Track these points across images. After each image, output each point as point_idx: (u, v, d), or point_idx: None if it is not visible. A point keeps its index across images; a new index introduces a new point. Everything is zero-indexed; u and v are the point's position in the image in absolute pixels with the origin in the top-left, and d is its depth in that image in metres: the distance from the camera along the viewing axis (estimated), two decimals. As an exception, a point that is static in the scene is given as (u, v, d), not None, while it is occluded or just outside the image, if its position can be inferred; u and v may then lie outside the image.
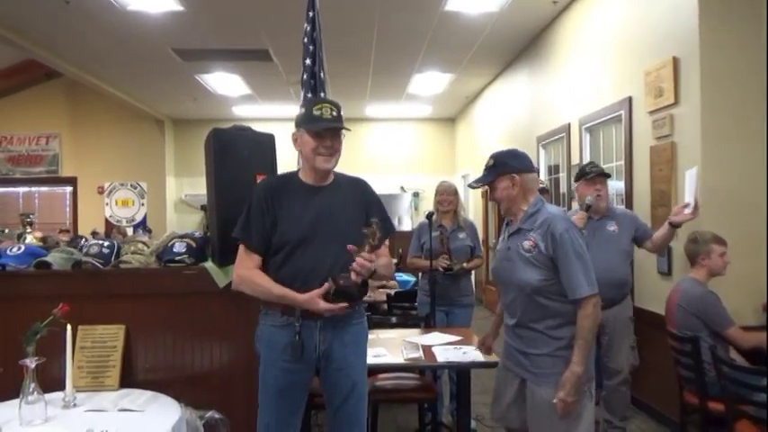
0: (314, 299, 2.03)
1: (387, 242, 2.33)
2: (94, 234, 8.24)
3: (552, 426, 2.14)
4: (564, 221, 2.21)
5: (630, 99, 4.35)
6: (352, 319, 2.18)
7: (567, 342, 2.17)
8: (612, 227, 3.44)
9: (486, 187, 2.38)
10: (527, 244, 2.20)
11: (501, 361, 2.47)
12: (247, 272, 2.13)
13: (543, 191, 4.63)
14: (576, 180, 3.63)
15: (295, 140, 2.19)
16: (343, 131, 2.17)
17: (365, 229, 2.00)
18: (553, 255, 2.15)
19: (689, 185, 3.30)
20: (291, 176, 2.23)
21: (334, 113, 2.12)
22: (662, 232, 3.38)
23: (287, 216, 2.12)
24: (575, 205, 4.50)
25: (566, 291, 2.14)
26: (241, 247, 2.17)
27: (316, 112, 2.11)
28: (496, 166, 2.29)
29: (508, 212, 2.33)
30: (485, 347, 2.75)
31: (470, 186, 2.52)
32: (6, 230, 5.80)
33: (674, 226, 3.29)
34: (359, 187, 2.28)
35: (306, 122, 2.13)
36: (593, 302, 2.11)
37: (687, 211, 3.23)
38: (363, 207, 2.24)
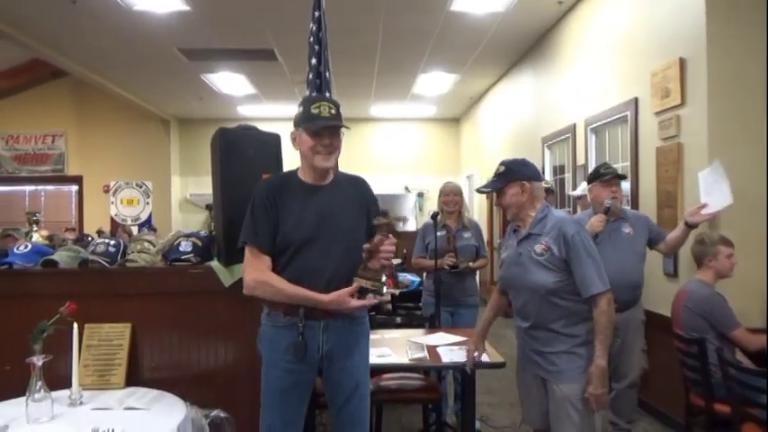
0: (343, 298, 2.02)
1: None
2: (100, 233, 8.27)
3: (571, 419, 2.23)
4: (573, 224, 2.31)
5: (636, 100, 4.34)
6: (355, 319, 2.17)
7: (582, 339, 2.26)
8: (627, 229, 3.39)
9: (494, 193, 2.43)
10: (539, 248, 2.27)
11: (518, 364, 2.50)
12: (262, 275, 2.07)
13: (548, 191, 4.61)
14: (590, 182, 3.55)
15: (294, 140, 2.17)
16: (343, 129, 2.15)
17: (376, 221, 2.06)
18: (566, 257, 2.23)
19: (704, 186, 3.25)
20: (290, 176, 2.21)
21: (333, 111, 2.10)
22: (677, 233, 3.34)
23: (288, 217, 2.10)
24: (579, 209, 4.49)
25: (579, 290, 2.22)
26: (248, 251, 2.11)
27: (314, 111, 2.08)
28: (507, 173, 2.36)
29: (516, 218, 2.39)
30: (469, 353, 2.60)
31: (479, 191, 2.54)
32: (21, 229, 5.88)
33: (690, 226, 3.26)
34: (359, 186, 2.27)
35: (304, 121, 2.10)
36: (607, 299, 2.21)
37: (704, 211, 3.20)
38: (364, 206, 2.22)
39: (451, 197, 3.96)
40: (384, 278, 2.13)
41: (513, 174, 2.35)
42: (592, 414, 2.24)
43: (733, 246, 3.10)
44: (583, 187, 4.59)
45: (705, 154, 3.53)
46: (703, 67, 3.56)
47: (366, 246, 2.07)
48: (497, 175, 2.38)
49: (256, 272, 2.09)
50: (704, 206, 3.22)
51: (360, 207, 2.21)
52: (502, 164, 2.41)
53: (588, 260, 2.21)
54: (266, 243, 2.09)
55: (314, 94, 3.25)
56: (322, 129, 2.08)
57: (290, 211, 2.10)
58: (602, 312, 2.20)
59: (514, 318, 2.46)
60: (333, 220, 2.11)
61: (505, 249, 2.48)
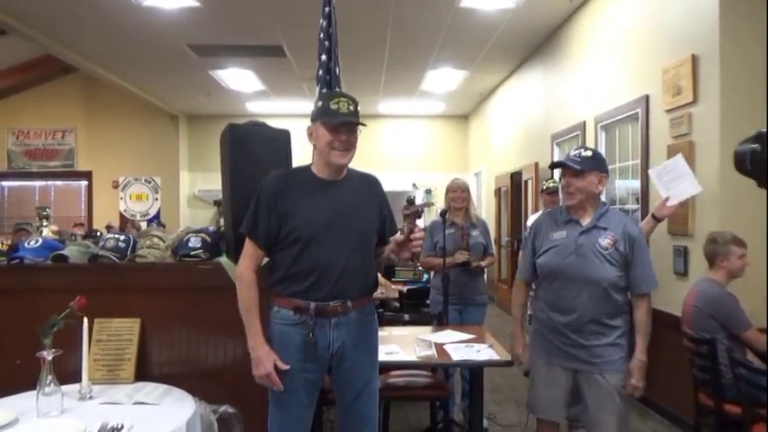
0: (264, 361, 2.04)
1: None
2: (109, 228, 8.32)
3: (620, 407, 2.38)
4: (635, 224, 2.49)
5: (647, 97, 4.30)
6: (364, 317, 2.17)
7: (623, 330, 2.41)
8: None
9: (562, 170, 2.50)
10: (606, 242, 2.36)
11: (542, 358, 2.52)
12: (248, 275, 2.11)
13: (554, 191, 4.57)
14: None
15: (310, 134, 2.15)
16: (360, 127, 2.14)
17: (407, 210, 2.09)
18: (629, 253, 2.36)
19: (660, 182, 3.29)
20: (303, 170, 2.20)
21: (351, 108, 2.09)
22: (646, 227, 3.41)
23: (298, 211, 2.09)
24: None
25: (633, 286, 2.38)
26: (248, 241, 2.14)
27: (333, 106, 2.07)
28: (595, 160, 2.42)
29: (578, 206, 2.43)
30: (518, 357, 2.62)
31: (557, 164, 2.53)
32: (34, 224, 5.94)
33: (658, 219, 3.31)
34: (371, 184, 2.27)
35: (322, 116, 2.09)
36: (650, 298, 2.42)
37: (669, 203, 3.24)
38: (376, 204, 2.23)
39: (459, 193, 3.92)
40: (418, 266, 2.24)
41: (600, 163, 2.44)
42: (631, 400, 2.45)
43: (745, 246, 3.07)
44: None
45: (717, 152, 3.49)
46: (716, 64, 3.52)
47: (397, 237, 2.11)
48: (583, 158, 2.40)
49: (245, 269, 2.13)
50: (668, 199, 3.25)
51: (371, 205, 2.21)
52: (591, 149, 2.47)
53: (647, 260, 2.40)
54: (263, 239, 2.11)
55: (334, 90, 3.23)
56: (340, 125, 2.07)
57: (301, 206, 2.10)
58: (647, 311, 2.37)
59: (543, 311, 2.48)
60: (345, 216, 2.11)
61: (549, 240, 2.47)
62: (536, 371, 2.55)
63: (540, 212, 4.82)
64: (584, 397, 2.41)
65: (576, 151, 2.46)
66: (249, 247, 2.14)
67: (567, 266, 2.38)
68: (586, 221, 2.41)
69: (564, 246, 2.41)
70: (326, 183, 2.15)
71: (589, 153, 2.42)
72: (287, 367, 2.06)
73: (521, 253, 2.68)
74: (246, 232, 2.13)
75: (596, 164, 2.41)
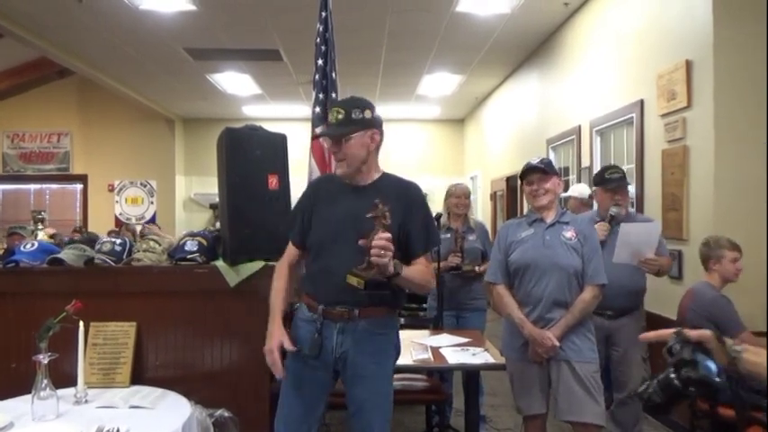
0: (271, 336, 2.07)
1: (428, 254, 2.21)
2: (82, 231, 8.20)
3: (593, 396, 2.48)
4: (590, 222, 2.75)
5: (642, 102, 4.33)
6: (376, 329, 2.09)
7: (590, 327, 2.60)
8: None
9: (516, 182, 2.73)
10: (569, 234, 2.58)
11: (518, 357, 2.61)
12: (280, 265, 2.22)
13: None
14: (596, 184, 3.44)
15: None
16: (362, 132, 2.06)
17: (370, 213, 1.90)
18: (585, 247, 2.56)
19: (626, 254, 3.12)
20: (336, 176, 2.19)
21: (341, 116, 2.05)
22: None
23: (318, 216, 2.14)
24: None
25: (587, 276, 2.54)
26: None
27: (329, 116, 2.11)
28: (553, 166, 2.71)
29: (548, 206, 2.63)
30: (551, 349, 2.52)
31: (533, 167, 2.64)
32: (28, 227, 5.90)
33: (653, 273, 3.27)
34: (403, 191, 2.15)
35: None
36: (600, 292, 2.55)
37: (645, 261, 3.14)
38: (401, 212, 2.06)
39: (462, 200, 3.88)
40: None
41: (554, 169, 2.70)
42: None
43: (739, 250, 3.07)
44: (576, 189, 4.56)
45: (711, 156, 3.52)
46: (710, 69, 3.55)
47: (361, 241, 1.91)
48: (548, 162, 2.68)
49: (282, 262, 2.23)
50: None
51: (394, 212, 1.98)
52: (548, 158, 2.82)
53: (598, 254, 2.57)
54: (297, 239, 2.21)
55: (320, 96, 3.25)
56: (323, 136, 2.11)
57: (321, 211, 2.15)
58: (592, 300, 2.52)
59: (522, 307, 2.58)
60: (357, 223, 1.99)
61: (518, 240, 2.64)
62: (511, 369, 2.65)
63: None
64: (555, 388, 2.52)
65: (538, 158, 2.69)
66: (289, 245, 2.25)
67: (539, 257, 2.56)
68: (550, 219, 2.62)
69: (533, 241, 2.60)
70: (350, 188, 2.14)
71: (549, 159, 2.73)
72: (294, 349, 2.07)
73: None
74: (287, 231, 2.25)
75: (555, 169, 2.69)
